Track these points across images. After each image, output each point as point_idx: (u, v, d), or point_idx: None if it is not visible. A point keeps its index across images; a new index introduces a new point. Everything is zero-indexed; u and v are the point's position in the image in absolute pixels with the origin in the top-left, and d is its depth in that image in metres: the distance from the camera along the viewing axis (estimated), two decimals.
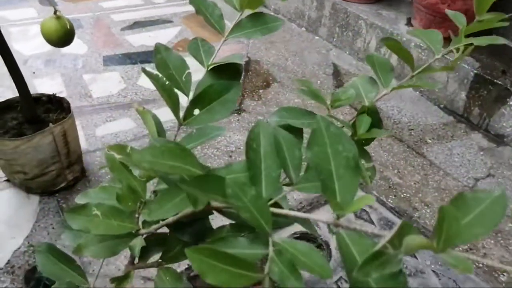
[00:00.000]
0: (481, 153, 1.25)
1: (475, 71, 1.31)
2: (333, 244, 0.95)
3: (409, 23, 1.57)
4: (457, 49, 0.42)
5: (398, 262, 0.22)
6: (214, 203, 0.34)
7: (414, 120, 1.36)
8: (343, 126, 0.43)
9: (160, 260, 0.43)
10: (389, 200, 1.07)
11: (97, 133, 1.16)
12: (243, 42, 1.70)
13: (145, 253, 0.44)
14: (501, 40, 0.42)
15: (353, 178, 0.28)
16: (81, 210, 0.38)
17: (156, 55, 0.45)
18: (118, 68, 1.46)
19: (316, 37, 1.79)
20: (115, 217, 0.39)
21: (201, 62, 0.47)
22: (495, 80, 1.28)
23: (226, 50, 1.65)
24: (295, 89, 1.45)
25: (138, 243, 0.39)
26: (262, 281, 0.27)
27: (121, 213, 0.39)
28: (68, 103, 0.93)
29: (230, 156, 1.15)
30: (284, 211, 0.30)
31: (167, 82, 0.45)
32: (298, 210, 1.02)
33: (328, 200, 0.28)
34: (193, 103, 0.44)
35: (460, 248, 0.96)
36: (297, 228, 0.96)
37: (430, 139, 1.29)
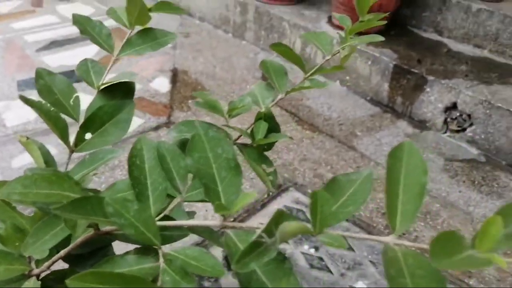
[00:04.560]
0: (407, 139, 1.31)
1: (394, 62, 1.38)
2: None
3: (329, 21, 1.62)
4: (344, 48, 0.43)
5: (275, 250, 0.22)
6: (104, 228, 0.32)
7: (343, 114, 1.40)
8: (241, 135, 0.42)
9: None
10: None
11: (13, 165, 1.08)
12: (169, 53, 1.67)
13: None
14: (379, 38, 0.44)
15: (235, 178, 0.29)
16: None
17: (38, 81, 0.42)
18: (35, 92, 1.37)
19: (243, 42, 1.80)
20: (1, 261, 0.35)
21: (91, 84, 0.45)
22: (412, 69, 1.34)
23: (153, 63, 1.61)
24: (225, 96, 1.44)
25: (31, 284, 0.36)
26: None
27: (8, 256, 0.35)
28: None
29: None
30: (173, 222, 0.29)
31: (52, 109, 0.41)
32: (234, 219, 1.00)
33: (212, 203, 0.28)
34: (84, 127, 0.41)
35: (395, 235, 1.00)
36: None
37: (359, 132, 1.33)
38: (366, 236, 0.25)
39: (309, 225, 0.24)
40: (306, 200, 1.07)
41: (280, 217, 0.23)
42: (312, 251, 0.95)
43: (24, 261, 0.36)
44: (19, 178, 0.28)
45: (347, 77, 1.51)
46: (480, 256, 0.21)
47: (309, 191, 1.09)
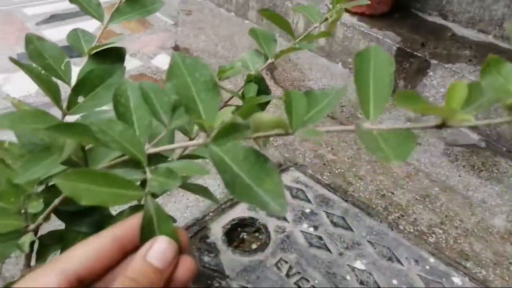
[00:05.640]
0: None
1: (397, 45, 1.36)
2: (271, 227, 0.95)
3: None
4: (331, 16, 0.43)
5: (245, 130, 0.25)
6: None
7: (345, 96, 1.39)
8: (233, 96, 0.42)
9: None
10: (324, 177, 1.08)
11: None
12: (171, 30, 1.65)
13: (42, 253, 0.40)
14: (365, 2, 0.44)
15: (214, 98, 0.30)
16: None
17: (28, 46, 0.42)
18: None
19: (246, 21, 1.77)
20: None
21: (82, 51, 0.45)
22: (415, 53, 1.32)
23: (154, 39, 1.59)
24: None
25: (28, 241, 0.36)
26: (144, 199, 0.27)
27: (3, 211, 0.36)
28: None
29: None
30: (158, 149, 0.30)
31: (43, 72, 0.41)
32: (225, 202, 1.01)
33: (195, 121, 0.29)
34: (76, 91, 0.41)
35: (393, 216, 1.00)
36: (235, 214, 0.95)
37: (360, 114, 1.32)
38: (342, 127, 0.27)
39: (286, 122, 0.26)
40: (306, 180, 1.07)
41: (251, 102, 0.25)
42: (311, 229, 0.95)
43: (20, 217, 0.36)
44: (6, 114, 0.28)
45: (349, 59, 1.49)
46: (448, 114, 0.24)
47: (310, 171, 1.09)
